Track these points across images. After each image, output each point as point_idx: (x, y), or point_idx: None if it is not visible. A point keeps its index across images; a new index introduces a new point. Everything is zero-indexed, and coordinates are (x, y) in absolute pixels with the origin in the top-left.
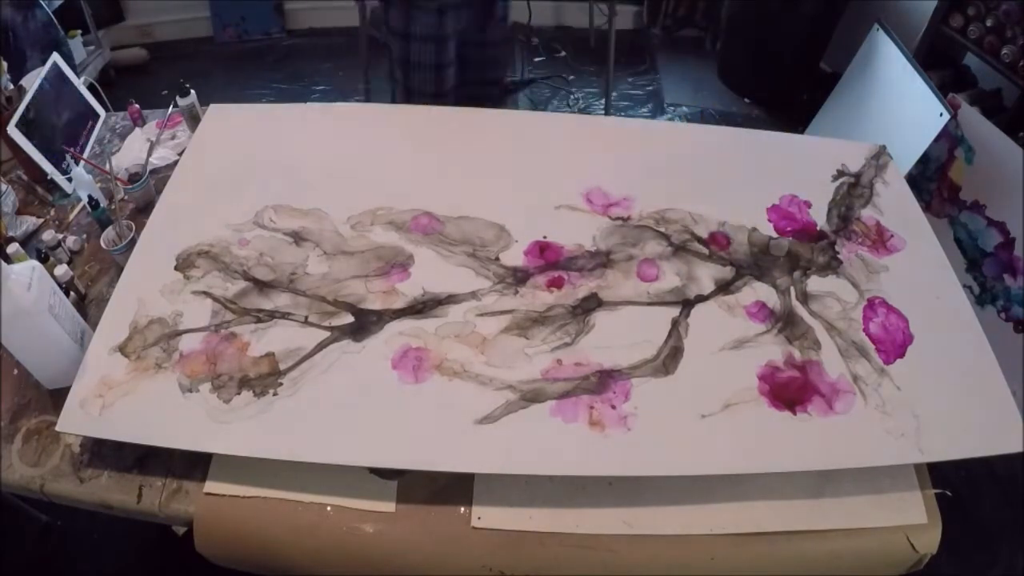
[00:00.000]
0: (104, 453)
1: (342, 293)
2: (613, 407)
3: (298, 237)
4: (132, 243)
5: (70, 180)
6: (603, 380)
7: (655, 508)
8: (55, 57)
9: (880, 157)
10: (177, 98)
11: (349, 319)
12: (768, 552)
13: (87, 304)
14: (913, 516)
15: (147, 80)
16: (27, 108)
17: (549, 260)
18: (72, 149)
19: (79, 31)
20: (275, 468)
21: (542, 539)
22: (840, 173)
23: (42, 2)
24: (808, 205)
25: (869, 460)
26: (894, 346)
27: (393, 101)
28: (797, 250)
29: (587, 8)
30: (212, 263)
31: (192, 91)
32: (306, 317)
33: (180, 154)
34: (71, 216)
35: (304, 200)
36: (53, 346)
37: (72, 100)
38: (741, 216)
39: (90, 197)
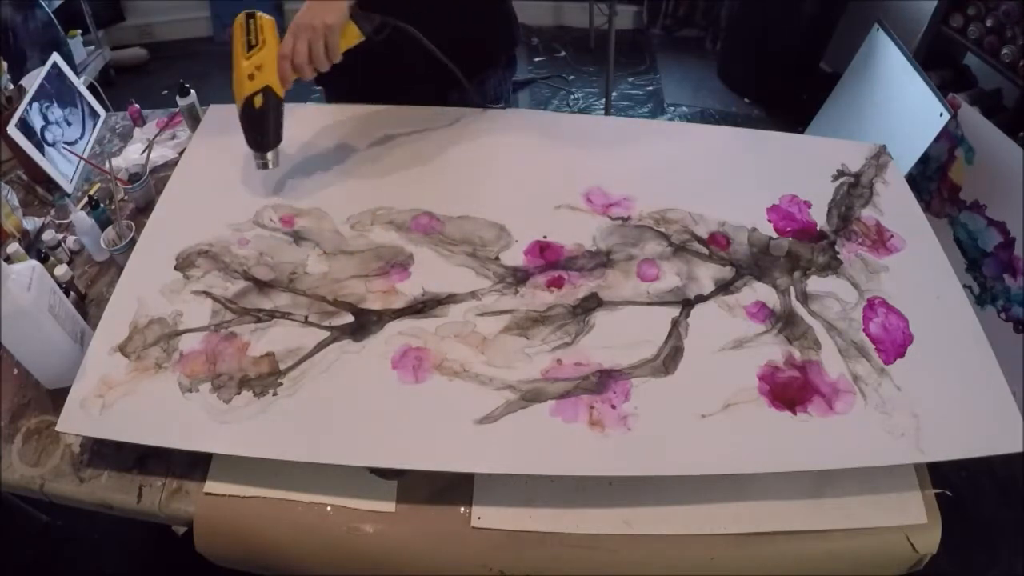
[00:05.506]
0: (104, 453)
1: (342, 293)
2: (613, 407)
3: (298, 237)
4: (132, 243)
5: (70, 180)
6: (603, 380)
7: (655, 508)
8: (55, 57)
9: (880, 157)
10: (177, 98)
11: (349, 319)
12: (768, 552)
13: (87, 304)
14: (913, 516)
15: (147, 80)
16: (26, 108)
17: (549, 260)
18: (72, 149)
19: (79, 31)
20: (275, 468)
21: (542, 539)
22: (840, 173)
23: (42, 2)
24: (808, 205)
25: (869, 460)
26: (894, 346)
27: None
28: (797, 250)
29: (587, 8)
30: (212, 263)
31: (192, 91)
32: (306, 317)
33: (180, 154)
34: (71, 216)
35: (304, 200)
36: (53, 346)
37: (72, 100)
38: (741, 216)
39: (90, 197)
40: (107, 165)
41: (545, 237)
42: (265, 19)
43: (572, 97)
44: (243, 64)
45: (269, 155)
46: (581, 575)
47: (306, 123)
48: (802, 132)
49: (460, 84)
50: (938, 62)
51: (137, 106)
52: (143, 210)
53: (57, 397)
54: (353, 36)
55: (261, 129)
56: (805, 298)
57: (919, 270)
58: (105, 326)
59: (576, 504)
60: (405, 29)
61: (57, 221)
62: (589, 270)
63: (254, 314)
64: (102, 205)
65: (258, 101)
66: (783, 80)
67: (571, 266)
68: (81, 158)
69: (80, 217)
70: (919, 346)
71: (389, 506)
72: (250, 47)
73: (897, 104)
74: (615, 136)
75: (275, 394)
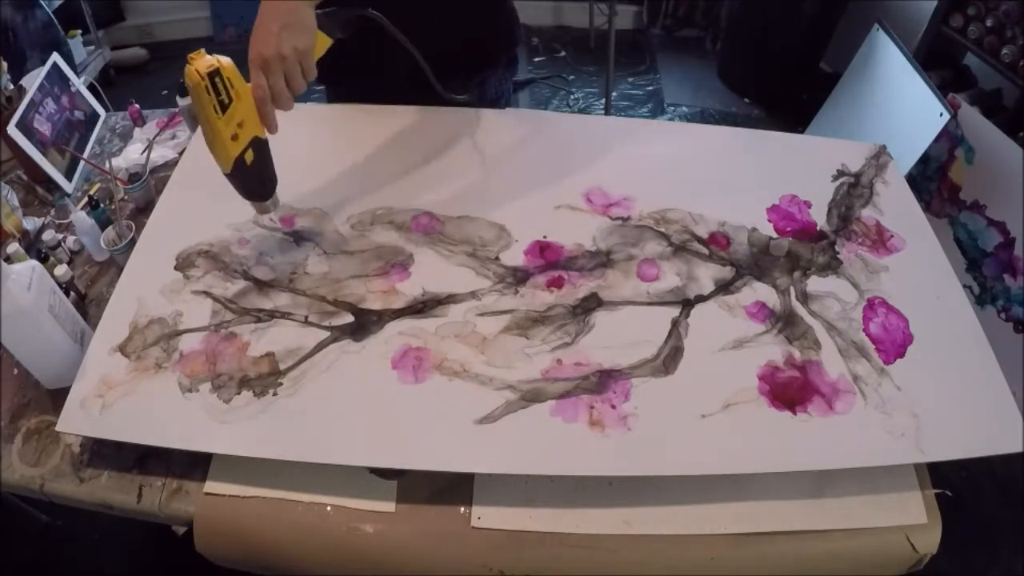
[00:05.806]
0: (104, 453)
1: (342, 293)
2: (613, 407)
3: (298, 237)
4: (132, 243)
5: (70, 180)
6: (603, 380)
7: (655, 508)
8: (55, 57)
9: (880, 157)
10: (177, 98)
11: (349, 319)
12: (768, 552)
13: (87, 304)
14: (913, 516)
15: (147, 80)
16: (27, 108)
17: (549, 260)
18: (71, 150)
19: (79, 31)
20: (275, 468)
21: (542, 539)
22: (840, 173)
23: (42, 2)
24: (808, 205)
25: (869, 460)
26: (894, 346)
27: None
28: (797, 250)
29: (587, 8)
30: (212, 263)
31: None
32: (306, 317)
33: (180, 154)
34: (71, 216)
35: (304, 200)
36: (53, 346)
37: (72, 100)
38: (741, 216)
39: (90, 197)
40: (107, 165)
41: (545, 237)
42: (228, 68)
43: (572, 97)
44: (221, 128)
45: (270, 200)
46: (581, 575)
47: (306, 123)
48: (802, 132)
49: (457, 83)
50: (938, 62)
51: (137, 106)
52: (143, 210)
53: (57, 397)
54: (323, 45)
55: (259, 180)
56: (805, 298)
57: (919, 270)
58: (105, 326)
59: (576, 504)
60: (375, 18)
61: (57, 221)
62: (589, 270)
63: (254, 314)
64: (102, 205)
65: (249, 157)
66: (783, 80)
67: (571, 266)
68: (81, 158)
69: (80, 217)
70: (919, 346)
71: (389, 506)
72: (223, 107)
73: (897, 104)
74: (615, 136)
75: (275, 394)
